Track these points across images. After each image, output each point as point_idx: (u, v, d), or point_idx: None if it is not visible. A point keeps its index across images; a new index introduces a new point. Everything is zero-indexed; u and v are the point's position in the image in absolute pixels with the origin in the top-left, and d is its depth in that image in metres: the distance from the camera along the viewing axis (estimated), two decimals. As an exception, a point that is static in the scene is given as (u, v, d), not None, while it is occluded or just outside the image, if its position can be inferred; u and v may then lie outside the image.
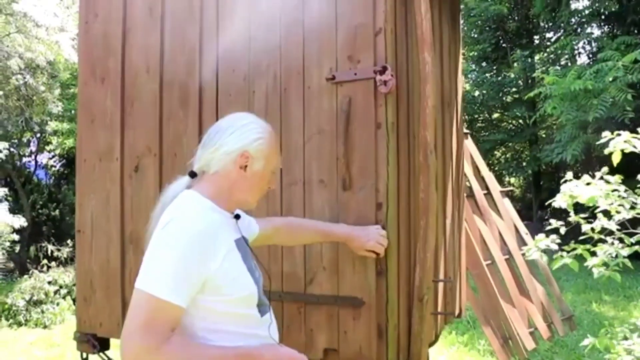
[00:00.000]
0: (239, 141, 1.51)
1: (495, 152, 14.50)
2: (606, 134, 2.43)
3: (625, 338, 2.46)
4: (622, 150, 2.33)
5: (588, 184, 2.35)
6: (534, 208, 13.20)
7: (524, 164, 13.93)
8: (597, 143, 2.60)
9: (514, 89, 13.78)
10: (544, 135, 13.54)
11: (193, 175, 1.56)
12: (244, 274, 1.47)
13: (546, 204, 2.54)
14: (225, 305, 1.42)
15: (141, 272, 1.37)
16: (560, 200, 2.38)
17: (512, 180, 16.14)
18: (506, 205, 4.38)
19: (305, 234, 2.11)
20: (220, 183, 1.52)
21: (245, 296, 1.45)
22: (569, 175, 2.49)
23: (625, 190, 2.31)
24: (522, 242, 4.27)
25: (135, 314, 1.33)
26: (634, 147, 2.30)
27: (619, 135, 2.37)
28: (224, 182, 1.52)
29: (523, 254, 3.99)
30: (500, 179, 14.22)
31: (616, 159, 2.36)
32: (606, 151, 2.40)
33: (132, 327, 1.32)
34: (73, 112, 10.52)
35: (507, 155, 14.98)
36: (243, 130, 1.52)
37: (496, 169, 14.26)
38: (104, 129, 2.84)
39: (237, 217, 1.59)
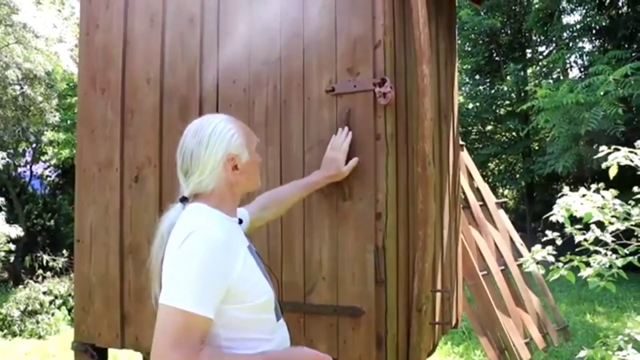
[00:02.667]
0: (218, 150, 1.49)
1: (489, 164, 14.56)
2: (603, 148, 2.47)
3: (620, 349, 2.49)
4: (617, 164, 2.37)
5: (583, 195, 2.39)
6: (528, 219, 13.26)
7: (518, 176, 13.99)
8: (595, 157, 2.64)
9: (507, 102, 13.88)
10: (537, 148, 13.62)
11: (185, 200, 1.54)
12: (261, 279, 1.48)
13: (543, 217, 2.58)
14: (247, 312, 1.43)
15: (165, 287, 1.37)
16: (557, 214, 2.42)
17: (506, 192, 16.19)
18: (501, 216, 4.42)
19: (289, 197, 2.13)
20: (221, 193, 1.52)
21: (264, 301, 1.46)
22: (566, 189, 2.53)
23: (621, 205, 2.35)
24: (517, 253, 4.30)
25: (165, 329, 1.32)
26: (631, 161, 2.34)
27: (617, 150, 2.42)
28: (224, 190, 1.52)
29: (518, 265, 4.04)
30: (494, 191, 14.23)
31: (613, 174, 2.40)
32: (604, 165, 2.44)
33: (163, 343, 1.31)
34: (69, 122, 10.53)
35: (501, 167, 15.04)
36: (214, 138, 1.49)
37: (490, 180, 14.31)
38: (103, 139, 2.86)
39: (240, 222, 1.61)
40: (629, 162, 2.29)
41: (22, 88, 8.12)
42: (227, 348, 1.42)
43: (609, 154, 2.37)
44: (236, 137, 1.52)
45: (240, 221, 1.61)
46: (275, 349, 1.48)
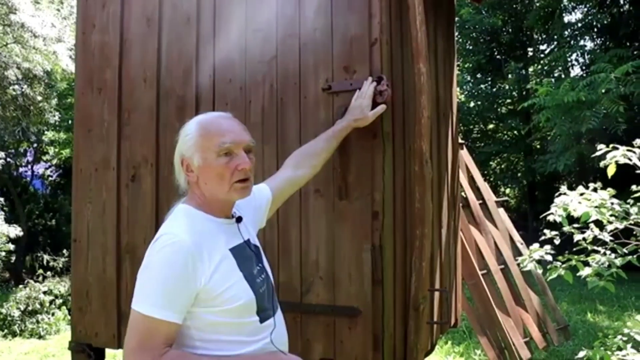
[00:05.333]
0: (177, 154, 1.53)
1: (491, 163, 14.53)
2: (601, 147, 2.45)
3: (620, 348, 2.47)
4: (616, 162, 2.35)
5: (582, 194, 2.37)
6: (529, 218, 13.23)
7: (519, 174, 13.98)
8: (593, 156, 2.63)
9: (508, 100, 13.86)
10: (538, 146, 13.60)
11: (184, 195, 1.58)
12: (238, 282, 1.44)
13: (541, 217, 2.56)
14: (221, 315, 1.41)
15: (135, 291, 1.40)
16: (555, 214, 2.40)
17: (508, 190, 16.16)
18: (501, 215, 4.41)
19: (321, 149, 2.08)
20: (195, 193, 1.52)
21: (240, 305, 1.43)
22: (563, 188, 2.51)
23: (620, 204, 2.33)
24: (517, 252, 4.29)
25: (131, 334, 1.37)
26: (629, 160, 2.33)
27: (615, 148, 2.40)
28: (196, 191, 1.52)
29: (518, 264, 4.02)
30: (495, 190, 14.25)
31: (611, 172, 2.39)
32: (602, 164, 2.42)
33: (128, 347, 1.36)
34: (70, 122, 10.55)
35: (502, 166, 15.02)
36: (178, 142, 1.53)
37: (491, 179, 14.29)
38: (100, 139, 2.85)
39: (239, 219, 1.57)
40: (627, 161, 2.27)
41: (21, 88, 8.13)
42: (200, 348, 1.41)
43: (607, 152, 2.35)
44: (189, 139, 1.49)
45: (240, 219, 1.57)
46: (252, 353, 1.44)
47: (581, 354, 2.51)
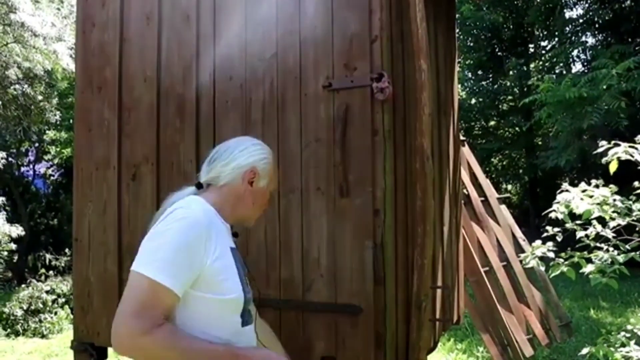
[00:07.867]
0: (249, 158, 1.61)
1: (492, 160, 14.51)
2: (603, 143, 2.44)
3: (623, 345, 2.46)
4: (617, 159, 2.34)
5: (584, 191, 2.36)
6: (531, 215, 13.21)
7: (521, 171, 13.96)
8: (595, 152, 2.61)
9: (509, 97, 13.84)
10: (540, 143, 13.58)
11: (199, 186, 1.63)
12: (234, 277, 1.49)
13: (543, 214, 2.55)
14: (213, 305, 1.43)
15: (139, 255, 1.38)
16: (557, 211, 2.39)
17: (509, 187, 16.14)
18: (503, 211, 4.40)
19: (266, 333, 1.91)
20: (227, 195, 1.59)
21: (232, 298, 1.47)
22: (565, 185, 2.50)
23: (622, 201, 2.32)
24: (519, 249, 4.28)
25: (132, 295, 1.33)
26: (631, 156, 2.31)
27: (617, 145, 2.38)
28: (230, 195, 1.59)
29: (520, 261, 4.01)
30: (497, 187, 14.22)
31: (613, 169, 2.37)
32: (604, 160, 2.41)
33: (127, 309, 1.32)
34: (71, 121, 10.54)
35: (504, 163, 14.99)
36: (252, 150, 1.63)
37: (493, 176, 14.27)
38: (101, 138, 2.85)
39: (235, 235, 1.65)
40: (629, 157, 2.25)
41: (22, 87, 8.12)
42: None
43: (609, 149, 2.34)
44: (267, 162, 1.65)
45: (236, 235, 1.64)
46: (240, 345, 1.47)
47: (584, 350, 2.51)
